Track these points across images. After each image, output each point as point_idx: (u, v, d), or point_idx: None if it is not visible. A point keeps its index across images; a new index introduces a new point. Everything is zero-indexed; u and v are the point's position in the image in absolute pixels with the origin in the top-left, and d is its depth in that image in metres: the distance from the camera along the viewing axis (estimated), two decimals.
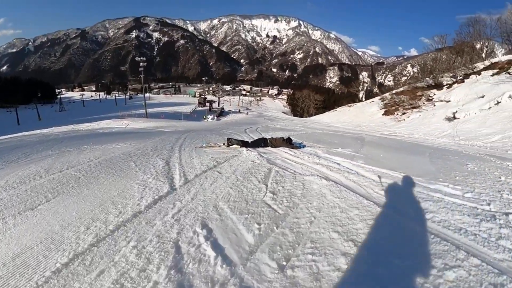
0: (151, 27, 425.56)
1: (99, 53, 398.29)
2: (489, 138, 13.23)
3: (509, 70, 21.92)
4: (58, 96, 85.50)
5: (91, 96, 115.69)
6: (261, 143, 7.16)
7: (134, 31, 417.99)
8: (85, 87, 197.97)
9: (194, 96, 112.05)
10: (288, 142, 7.18)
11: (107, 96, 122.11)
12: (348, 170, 5.07)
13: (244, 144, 7.01)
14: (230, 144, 7.02)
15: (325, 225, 2.99)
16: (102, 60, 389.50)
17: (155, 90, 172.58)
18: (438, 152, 8.13)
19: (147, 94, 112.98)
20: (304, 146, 7.39)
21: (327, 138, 10.31)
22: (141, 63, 44.47)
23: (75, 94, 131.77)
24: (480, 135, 14.20)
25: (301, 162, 5.68)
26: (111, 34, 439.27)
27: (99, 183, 4.36)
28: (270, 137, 8.28)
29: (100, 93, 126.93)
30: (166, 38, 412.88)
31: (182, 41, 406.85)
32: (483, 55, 32.33)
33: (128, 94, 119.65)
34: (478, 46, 33.55)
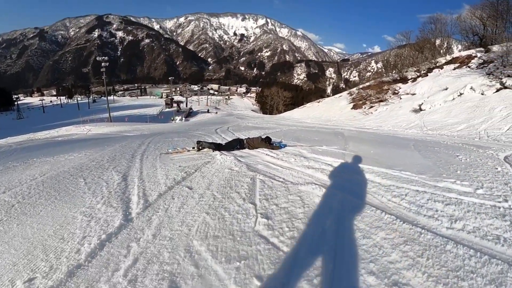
0: (114, 26, 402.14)
1: (60, 54, 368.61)
2: (455, 127, 13.85)
3: (469, 64, 23.03)
4: (16, 103, 77.86)
5: (50, 101, 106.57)
6: (236, 144, 6.24)
7: (97, 30, 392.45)
8: (45, 92, 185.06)
9: (161, 97, 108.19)
10: (267, 142, 6.36)
11: (69, 101, 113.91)
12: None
13: (217, 147, 6.06)
14: (200, 148, 6.04)
15: (353, 262, 2.16)
16: (62, 61, 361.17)
17: (120, 92, 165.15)
18: (421, 144, 7.92)
19: (111, 97, 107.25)
20: (285, 146, 6.59)
21: (306, 135, 9.65)
22: (102, 63, 41.30)
23: (34, 100, 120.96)
24: (446, 124, 14.84)
25: (288, 166, 4.87)
26: (72, 33, 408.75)
27: (34, 214, 3.19)
28: (245, 137, 7.38)
29: (62, 97, 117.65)
30: (130, 38, 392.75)
31: (147, 40, 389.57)
32: (442, 51, 33.95)
33: (91, 97, 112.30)
34: (437, 42, 35.06)
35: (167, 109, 65.26)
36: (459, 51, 32.19)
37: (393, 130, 15.43)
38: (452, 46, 35.48)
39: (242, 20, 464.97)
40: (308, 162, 4.96)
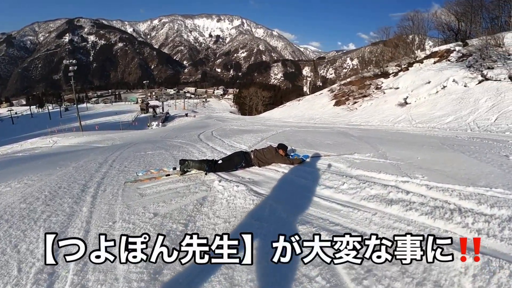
0: (86, 30, 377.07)
1: (29, 61, 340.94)
2: (443, 119, 13.90)
3: (449, 58, 23.03)
4: None
5: (15, 112, 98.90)
6: (240, 161, 4.30)
7: (67, 34, 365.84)
8: (14, 101, 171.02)
9: (136, 103, 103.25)
10: (284, 153, 4.55)
11: (40, 110, 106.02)
12: (446, 207, 2.61)
13: (210, 166, 4.11)
14: (186, 170, 4.10)
15: None
16: (32, 68, 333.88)
17: (94, 99, 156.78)
18: (447, 142, 6.82)
19: (84, 104, 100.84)
20: (307, 157, 4.78)
21: (313, 138, 7.91)
22: (70, 67, 37.55)
23: (3, 111, 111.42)
24: (434, 117, 14.84)
25: (348, 200, 3.04)
26: (42, 38, 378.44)
27: None
28: (246, 146, 5.54)
29: (32, 106, 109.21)
30: (103, 42, 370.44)
31: (120, 44, 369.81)
32: (414, 47, 34.45)
33: (63, 105, 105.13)
34: (409, 39, 35.36)
35: (143, 115, 61.61)
36: (430, 47, 32.93)
37: (383, 125, 15.17)
38: (424, 42, 35.91)
39: (218, 21, 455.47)
40: (371, 189, 3.15)
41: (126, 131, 26.52)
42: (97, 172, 4.80)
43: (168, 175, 4.00)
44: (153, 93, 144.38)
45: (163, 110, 69.12)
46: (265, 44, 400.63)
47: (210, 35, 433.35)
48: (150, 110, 64.02)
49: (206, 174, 4.02)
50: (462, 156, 4.85)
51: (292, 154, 4.84)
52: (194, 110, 77.75)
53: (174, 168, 4.40)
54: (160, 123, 41.53)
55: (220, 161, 4.25)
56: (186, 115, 55.35)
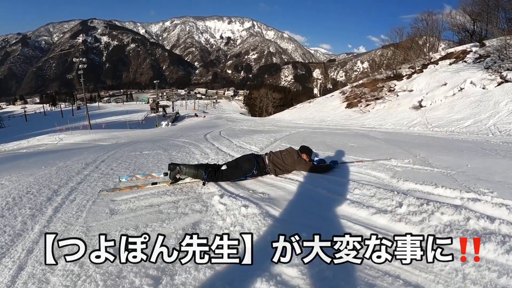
0: (99, 31, 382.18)
1: (43, 60, 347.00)
2: (461, 123, 13.25)
3: (465, 59, 21.88)
4: None
5: (24, 111, 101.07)
6: (251, 168, 3.24)
7: (81, 35, 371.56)
8: (28, 100, 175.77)
9: (147, 103, 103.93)
10: (308, 158, 3.57)
11: (53, 108, 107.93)
12: None
13: (210, 174, 3.06)
14: (178, 177, 3.09)
15: None
16: (46, 68, 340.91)
17: (106, 99, 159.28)
18: (486, 146, 6.15)
19: (96, 104, 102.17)
20: (337, 163, 3.75)
21: (332, 140, 6.94)
22: (80, 65, 37.46)
23: (17, 108, 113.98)
24: (451, 121, 14.18)
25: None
26: (56, 39, 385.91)
27: None
28: (257, 148, 4.59)
29: (45, 105, 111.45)
30: (115, 42, 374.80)
31: (133, 45, 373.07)
32: (425, 49, 33.35)
33: (75, 104, 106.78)
34: (422, 41, 34.22)
35: (152, 114, 61.41)
36: (443, 49, 31.42)
37: (397, 128, 14.46)
38: (438, 44, 34.72)
39: (229, 23, 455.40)
40: (441, 214, 2.18)
41: (132, 130, 25.85)
42: (78, 174, 3.94)
43: (155, 183, 3.05)
44: (164, 94, 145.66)
45: (173, 110, 68.96)
46: (276, 46, 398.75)
47: (221, 37, 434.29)
48: (160, 109, 63.84)
49: (204, 184, 3.04)
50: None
51: (316, 159, 3.85)
52: (204, 110, 77.68)
53: (166, 174, 3.45)
54: (170, 123, 41.06)
55: (224, 167, 3.23)
56: (196, 115, 54.74)
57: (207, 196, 2.79)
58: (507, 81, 15.25)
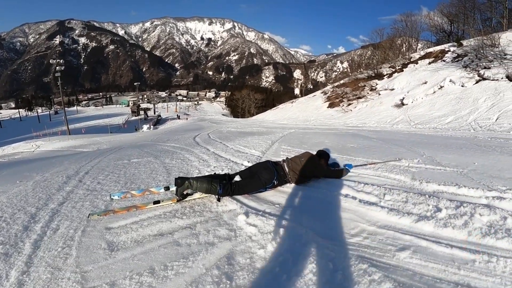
0: (77, 32, 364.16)
1: (18, 63, 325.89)
2: (443, 120, 13.55)
3: (444, 58, 22.60)
4: None
5: None
6: (271, 178, 2.80)
7: (58, 36, 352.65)
8: (2, 105, 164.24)
9: (128, 106, 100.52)
10: (326, 163, 3.33)
11: (29, 113, 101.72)
12: None
13: (225, 186, 2.58)
14: (185, 193, 2.60)
15: None
16: (22, 71, 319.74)
17: (84, 102, 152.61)
18: (480, 143, 6.15)
19: (74, 108, 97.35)
20: (351, 167, 3.47)
21: (330, 141, 6.66)
22: (57, 67, 35.10)
23: None
24: (433, 118, 14.46)
25: (467, 241, 1.84)
26: (32, 40, 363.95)
27: None
28: (261, 154, 4.18)
29: (21, 110, 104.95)
30: (94, 44, 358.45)
31: (112, 47, 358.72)
32: (402, 50, 34.32)
33: (53, 108, 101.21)
34: (399, 42, 35.28)
35: (134, 118, 59.16)
36: (419, 49, 32.55)
37: (381, 126, 14.56)
38: (417, 45, 35.79)
39: (209, 24, 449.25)
40: (480, 215, 2.08)
41: (114, 135, 24.51)
42: (59, 191, 3.32)
43: (157, 202, 2.55)
44: (145, 96, 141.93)
45: (154, 113, 66.95)
46: (256, 47, 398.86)
47: (202, 38, 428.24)
48: (142, 112, 61.72)
49: (219, 200, 2.59)
50: None
51: (332, 163, 3.52)
52: (186, 112, 75.95)
53: (167, 188, 2.97)
54: (152, 126, 39.59)
55: (237, 178, 2.78)
56: (178, 117, 53.25)
57: (228, 215, 2.33)
58: (484, 79, 15.72)
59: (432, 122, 13.49)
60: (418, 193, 2.60)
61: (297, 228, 1.98)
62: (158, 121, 50.23)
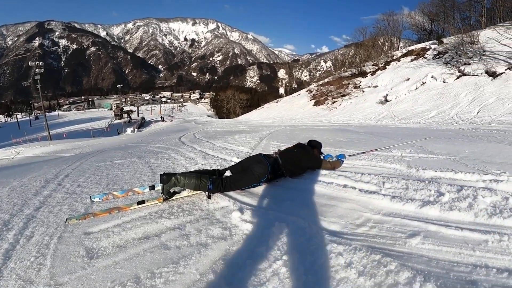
0: (57, 33, 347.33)
1: None
2: (426, 114, 13.78)
3: (425, 56, 23.20)
4: None
5: None
6: (265, 171, 2.60)
7: (38, 38, 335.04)
8: None
9: (111, 109, 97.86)
10: (319, 153, 3.24)
11: (8, 119, 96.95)
12: None
13: (215, 181, 2.36)
14: (172, 191, 2.37)
15: None
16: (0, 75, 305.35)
17: (66, 106, 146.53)
18: (465, 133, 6.32)
19: (55, 112, 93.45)
20: (344, 157, 3.40)
21: (318, 136, 6.54)
22: (37, 70, 33.53)
23: None
24: (416, 113, 14.65)
25: (475, 222, 1.81)
26: (10, 42, 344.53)
27: None
28: (250, 150, 4.02)
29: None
30: (75, 46, 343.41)
31: (93, 49, 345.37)
32: (384, 48, 35.10)
33: (33, 114, 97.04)
34: (381, 41, 36.10)
35: (117, 121, 57.73)
36: (401, 48, 33.42)
37: (367, 122, 14.69)
38: (398, 43, 36.77)
39: (193, 24, 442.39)
40: (483, 197, 2.07)
41: (97, 139, 23.74)
42: (35, 196, 3.04)
43: (142, 202, 2.31)
44: (128, 99, 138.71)
45: (138, 115, 65.52)
46: (241, 48, 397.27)
47: (185, 39, 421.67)
48: (125, 115, 60.22)
49: (209, 197, 2.39)
50: (505, 146, 4.14)
51: (324, 155, 3.40)
52: (170, 114, 74.74)
53: (152, 187, 2.75)
54: (136, 129, 38.60)
55: (227, 173, 2.59)
56: (163, 119, 52.28)
57: (221, 213, 2.14)
58: (465, 75, 16.23)
59: (416, 117, 13.74)
60: (417, 180, 2.57)
61: (299, 222, 1.83)
62: (142, 123, 49.26)
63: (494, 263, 1.36)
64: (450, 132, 6.75)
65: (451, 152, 3.70)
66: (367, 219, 1.93)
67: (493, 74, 14.49)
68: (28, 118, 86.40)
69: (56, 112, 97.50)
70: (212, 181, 2.34)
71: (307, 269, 1.40)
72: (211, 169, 2.90)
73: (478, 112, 11.57)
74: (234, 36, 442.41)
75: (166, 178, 2.27)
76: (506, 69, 14.19)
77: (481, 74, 15.15)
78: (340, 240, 1.61)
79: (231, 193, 2.54)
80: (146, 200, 2.36)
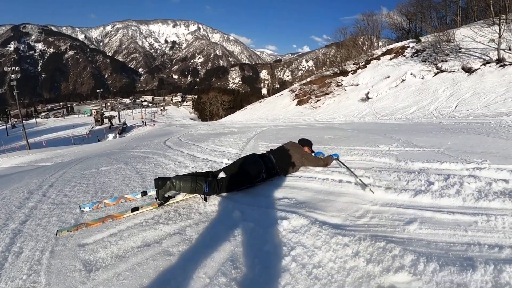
0: (33, 37, 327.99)
1: None
2: (407, 110, 14.15)
3: (404, 54, 24.10)
4: None
5: None
6: (260, 171, 2.60)
7: (13, 42, 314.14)
8: None
9: (91, 115, 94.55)
10: (310, 151, 3.29)
11: None
12: None
13: (210, 184, 2.32)
14: (167, 196, 2.31)
15: None
16: None
17: (44, 113, 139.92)
18: (446, 127, 6.55)
19: (33, 120, 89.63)
20: (338, 156, 3.35)
21: (306, 134, 6.65)
22: (12, 75, 32.01)
23: None
24: (397, 109, 15.01)
25: (464, 206, 1.99)
26: None
27: None
28: (239, 151, 4.00)
29: None
30: (52, 50, 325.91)
31: (71, 52, 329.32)
32: (364, 47, 36.00)
33: (10, 122, 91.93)
34: (361, 40, 37.08)
35: (98, 127, 55.90)
36: (380, 46, 34.45)
37: (350, 119, 14.89)
38: (378, 42, 37.79)
39: (173, 26, 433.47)
40: (469, 183, 2.27)
41: (78, 146, 22.90)
42: (20, 208, 2.86)
43: (136, 209, 2.23)
44: (108, 104, 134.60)
45: (119, 121, 63.68)
46: (222, 49, 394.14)
47: (166, 41, 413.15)
48: (106, 121, 58.38)
49: (206, 199, 2.35)
50: (484, 137, 4.38)
51: (315, 152, 3.44)
52: (152, 119, 73.23)
53: (144, 193, 2.67)
54: (117, 135, 37.49)
55: (222, 174, 2.56)
56: (145, 124, 51.05)
57: (220, 215, 2.13)
58: (442, 71, 16.90)
59: (397, 113, 14.09)
60: (407, 171, 2.71)
61: (301, 218, 1.84)
62: (124, 129, 47.92)
63: (485, 241, 1.49)
64: (431, 126, 7.02)
65: (434, 144, 3.90)
66: (366, 211, 2.00)
67: (469, 70, 15.14)
68: (4, 127, 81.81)
69: (34, 120, 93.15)
70: (208, 183, 2.31)
71: (316, 262, 1.42)
72: (204, 171, 2.87)
73: (456, 107, 12.03)
74: (216, 37, 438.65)
75: (161, 182, 2.21)
76: (481, 65, 14.84)
77: (458, 70, 15.81)
78: (344, 232, 1.65)
79: (228, 194, 2.52)
80: (140, 206, 2.29)
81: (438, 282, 1.19)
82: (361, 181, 2.35)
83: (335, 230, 1.67)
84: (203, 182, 2.29)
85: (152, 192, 2.65)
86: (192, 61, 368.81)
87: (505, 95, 11.15)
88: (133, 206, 2.33)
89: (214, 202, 2.36)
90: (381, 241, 1.48)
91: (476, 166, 2.61)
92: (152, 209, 2.28)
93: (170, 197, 2.39)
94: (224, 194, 2.51)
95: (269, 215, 1.95)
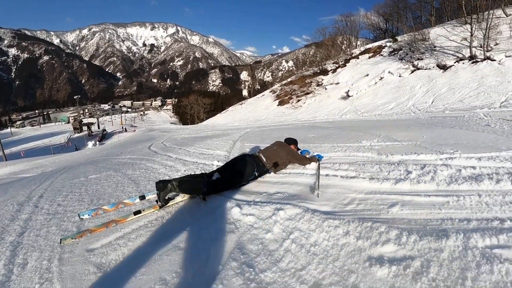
0: (6, 42, 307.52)
1: None
2: (386, 106, 14.57)
3: (381, 53, 24.95)
4: None
5: None
6: (252, 170, 2.84)
7: None
8: None
9: (68, 122, 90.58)
10: (296, 149, 3.50)
11: None
12: None
13: (208, 184, 2.49)
14: (167, 197, 2.40)
15: None
16: None
17: (19, 122, 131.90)
18: (422, 122, 6.78)
19: (8, 130, 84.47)
20: (321, 157, 3.50)
21: (290, 134, 6.81)
22: None
23: None
24: (376, 106, 15.46)
25: (439, 190, 2.31)
26: None
27: None
28: (227, 152, 4.13)
29: None
30: (26, 55, 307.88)
31: (46, 57, 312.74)
32: (343, 47, 36.97)
33: None
34: (340, 40, 38.13)
35: (77, 134, 53.77)
36: (358, 45, 35.60)
37: (332, 118, 15.15)
38: (356, 42, 38.89)
39: (152, 29, 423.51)
40: (441, 171, 2.55)
41: (58, 155, 21.91)
42: (13, 221, 2.82)
43: (138, 212, 2.33)
44: (87, 110, 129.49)
45: (99, 127, 61.53)
46: (202, 51, 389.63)
47: (144, 44, 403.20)
48: (85, 128, 56.24)
49: (204, 199, 2.48)
50: (457, 130, 4.75)
51: (301, 150, 3.65)
52: (132, 124, 71.24)
53: (142, 197, 2.75)
54: (97, 142, 36.27)
55: (217, 175, 2.75)
56: (125, 130, 49.68)
57: (220, 211, 2.26)
58: (418, 69, 17.61)
59: (377, 109, 14.53)
60: (388, 163, 3.00)
61: (295, 208, 2.03)
62: (104, 136, 46.36)
63: (456, 216, 1.76)
64: (409, 121, 7.42)
65: (412, 138, 4.23)
66: (352, 199, 2.24)
67: (443, 67, 15.87)
68: None
69: (8, 130, 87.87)
70: (206, 184, 2.46)
71: (313, 242, 1.63)
72: (199, 173, 2.99)
73: (432, 102, 12.53)
74: (195, 39, 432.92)
75: (163, 185, 2.33)
76: (454, 62, 15.62)
77: (433, 67, 16.55)
78: (334, 217, 1.86)
79: (224, 193, 2.67)
80: (142, 209, 2.38)
81: (419, 249, 1.43)
82: (317, 185, 2.50)
83: (326, 216, 1.88)
84: (201, 183, 2.43)
85: (150, 196, 2.74)
86: (171, 64, 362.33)
87: (478, 90, 11.75)
88: (133, 210, 2.41)
89: (212, 201, 2.50)
90: (368, 222, 1.70)
91: (449, 156, 2.94)
92: (154, 211, 2.39)
93: (170, 199, 2.49)
94: (221, 193, 2.65)
95: (265, 208, 2.11)
